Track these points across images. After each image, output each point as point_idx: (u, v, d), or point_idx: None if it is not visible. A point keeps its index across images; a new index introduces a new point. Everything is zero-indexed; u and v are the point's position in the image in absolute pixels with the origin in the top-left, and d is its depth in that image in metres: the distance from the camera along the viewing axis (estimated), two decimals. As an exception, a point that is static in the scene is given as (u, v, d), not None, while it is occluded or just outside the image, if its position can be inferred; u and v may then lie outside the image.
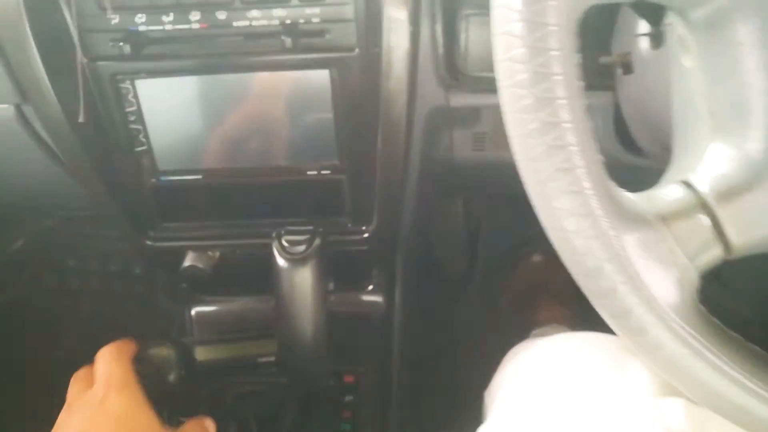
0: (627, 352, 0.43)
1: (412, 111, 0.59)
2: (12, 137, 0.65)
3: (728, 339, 0.32)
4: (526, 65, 0.29)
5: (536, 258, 1.17)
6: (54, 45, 0.56)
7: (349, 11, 0.54)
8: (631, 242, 0.31)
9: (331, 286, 0.60)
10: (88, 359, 1.18)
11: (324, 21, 0.55)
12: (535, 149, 0.30)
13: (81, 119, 0.55)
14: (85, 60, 0.58)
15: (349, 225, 0.69)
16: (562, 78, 0.29)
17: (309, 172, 0.66)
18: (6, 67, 0.56)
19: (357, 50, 0.57)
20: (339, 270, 0.72)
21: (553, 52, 0.28)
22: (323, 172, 0.66)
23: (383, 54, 0.55)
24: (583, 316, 1.07)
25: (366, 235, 0.70)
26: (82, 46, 0.57)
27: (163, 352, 0.59)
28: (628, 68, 0.50)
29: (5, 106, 0.61)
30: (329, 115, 0.62)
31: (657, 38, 0.43)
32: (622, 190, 0.33)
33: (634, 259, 0.31)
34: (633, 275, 0.31)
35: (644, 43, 0.47)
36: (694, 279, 0.32)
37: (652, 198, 0.33)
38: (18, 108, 0.61)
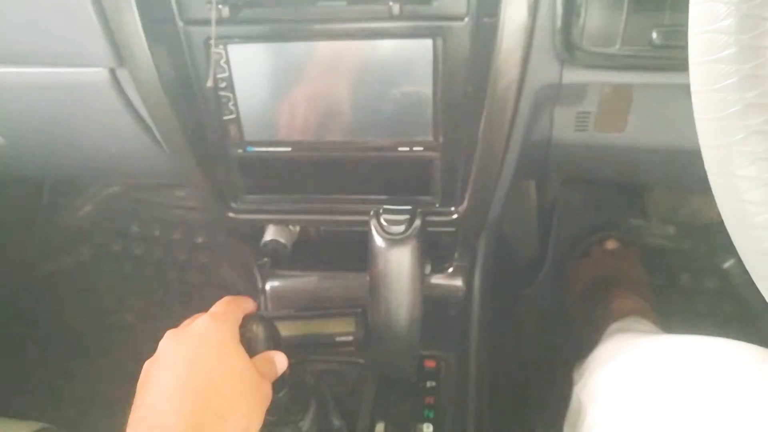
0: None
1: (521, 88, 0.55)
2: (103, 102, 0.64)
3: None
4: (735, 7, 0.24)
5: (609, 244, 1.12)
6: (153, 7, 0.55)
7: (462, -23, 0.51)
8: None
9: (428, 269, 0.57)
10: (151, 324, 1.20)
11: (435, -13, 0.52)
12: (730, 106, 0.26)
13: (210, 83, 0.53)
14: (180, 23, 0.56)
15: (437, 205, 0.67)
16: None
17: (400, 149, 0.63)
18: (105, 29, 0.55)
19: (467, 19, 0.53)
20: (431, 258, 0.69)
21: None
22: (415, 149, 0.63)
23: (498, 25, 0.51)
24: (660, 309, 1.03)
25: (455, 216, 0.67)
26: (179, 9, 0.56)
27: (252, 327, 0.58)
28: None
29: (100, 69, 0.60)
30: (428, 90, 0.59)
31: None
32: None
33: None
34: None
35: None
36: None
37: None
38: (113, 72, 0.60)
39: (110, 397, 1.10)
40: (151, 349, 0.52)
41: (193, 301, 1.26)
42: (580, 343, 0.94)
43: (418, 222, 0.55)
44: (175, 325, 0.54)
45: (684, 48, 0.29)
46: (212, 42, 0.53)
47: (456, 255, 0.76)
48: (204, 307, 0.59)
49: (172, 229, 1.39)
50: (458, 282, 0.76)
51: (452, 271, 0.77)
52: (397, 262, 0.54)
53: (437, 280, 0.76)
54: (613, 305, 1.01)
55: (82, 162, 0.83)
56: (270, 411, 0.63)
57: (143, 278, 1.34)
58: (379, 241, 0.54)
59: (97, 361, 1.20)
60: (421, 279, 0.56)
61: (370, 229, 0.55)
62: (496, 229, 0.79)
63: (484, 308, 0.79)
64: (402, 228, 0.54)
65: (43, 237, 1.38)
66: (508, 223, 1.07)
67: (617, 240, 1.12)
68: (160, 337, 0.53)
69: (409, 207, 0.55)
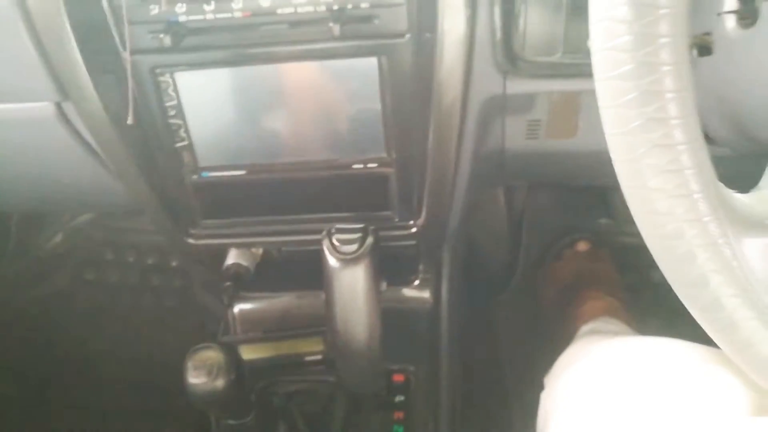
0: (717, 363, 0.39)
1: (466, 100, 0.56)
2: (52, 135, 0.63)
3: None
4: (628, 26, 0.25)
5: (580, 245, 1.13)
6: (93, 39, 0.54)
7: (400, -5, 0.51)
8: (751, 249, 0.27)
9: (384, 286, 0.57)
10: (128, 350, 1.18)
11: (373, 6, 0.52)
12: (631, 122, 0.26)
13: (129, 121, 0.53)
14: (125, 53, 0.56)
15: (397, 219, 0.67)
16: (670, 41, 0.25)
17: (355, 166, 0.63)
18: (46, 64, 0.54)
19: (408, 36, 0.54)
20: (384, 265, 0.69)
21: (662, 11, 0.25)
22: (370, 165, 0.63)
23: (437, 40, 0.52)
24: (634, 307, 1.03)
25: (414, 229, 0.67)
26: (121, 39, 0.55)
27: (212, 356, 0.57)
28: (706, 50, 0.46)
29: (45, 104, 0.59)
30: (377, 106, 0.59)
31: (749, 15, 0.39)
32: (731, 191, 0.29)
33: (755, 266, 0.27)
34: (747, 287, 0.28)
35: (730, 22, 0.43)
36: None
37: (764, 200, 0.29)
38: (58, 106, 0.59)
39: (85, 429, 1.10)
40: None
41: (169, 325, 1.24)
42: (554, 345, 0.95)
43: (370, 240, 0.55)
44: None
45: None
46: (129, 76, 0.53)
47: (421, 267, 0.76)
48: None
49: (147, 255, 1.38)
50: (425, 294, 0.77)
51: (418, 284, 0.77)
52: (352, 281, 0.54)
53: (404, 293, 0.76)
54: (585, 307, 1.02)
55: (42, 195, 0.82)
56: (237, 437, 0.63)
57: (119, 305, 1.33)
58: (332, 261, 0.54)
59: (72, 392, 1.19)
60: (377, 296, 0.56)
61: (323, 250, 0.55)
62: (459, 239, 0.80)
63: (453, 318, 0.79)
64: (354, 247, 0.54)
65: (15, 269, 1.36)
66: (479, 231, 1.08)
67: (588, 241, 1.13)
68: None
69: (361, 225, 0.55)
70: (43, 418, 1.15)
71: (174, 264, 1.36)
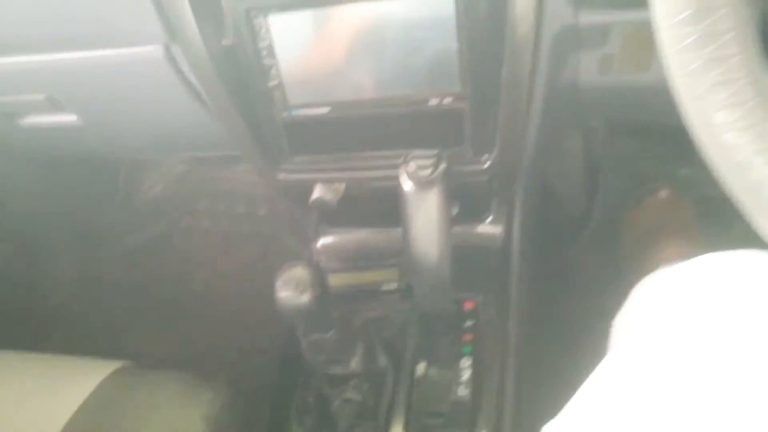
0: None
1: (539, 31, 0.58)
2: (160, 77, 0.70)
3: None
4: None
5: (662, 194, 1.11)
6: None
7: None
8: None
9: (455, 211, 0.61)
10: (222, 293, 1.29)
11: (452, -57, 0.55)
12: (687, 39, 0.29)
13: (222, 43, 0.58)
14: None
15: (470, 154, 0.70)
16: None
17: (432, 101, 0.67)
18: (158, 8, 0.61)
19: (483, -30, 0.56)
20: (459, 201, 0.73)
21: None
22: (445, 100, 0.66)
23: (512, -27, 0.54)
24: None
25: (487, 164, 0.70)
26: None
27: (299, 272, 0.63)
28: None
29: (155, 46, 0.66)
30: (452, 42, 0.62)
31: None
32: None
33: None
34: None
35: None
36: None
37: None
38: (167, 48, 0.66)
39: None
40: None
41: (257, 268, 1.34)
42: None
43: (443, 165, 0.58)
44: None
45: None
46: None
47: (493, 205, 0.79)
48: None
49: (237, 203, 1.48)
50: (497, 230, 0.80)
51: (491, 221, 0.80)
52: (426, 204, 0.58)
53: (476, 229, 0.80)
54: (663, 254, 1.02)
55: (148, 137, 0.91)
56: (319, 350, 0.70)
57: (210, 250, 1.44)
58: (407, 186, 0.58)
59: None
60: (448, 218, 0.60)
61: (399, 174, 0.59)
62: (534, 180, 0.82)
63: (525, 256, 0.82)
64: (429, 171, 0.58)
65: (122, 217, 1.51)
66: (556, 176, 1.08)
67: (669, 190, 1.11)
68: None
69: (435, 151, 0.59)
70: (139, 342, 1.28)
71: (263, 212, 1.46)
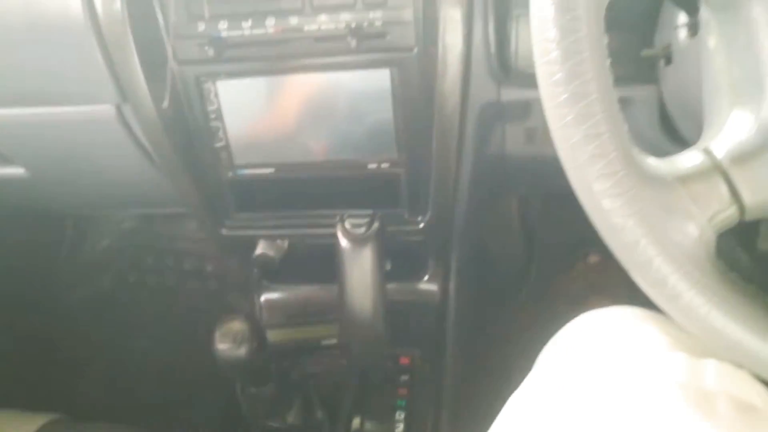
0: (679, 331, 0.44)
1: (465, 107, 0.64)
2: (110, 135, 0.73)
3: (744, 291, 0.35)
4: (557, 44, 0.33)
5: (593, 258, 1.18)
6: (150, 49, 0.64)
7: (408, 14, 0.60)
8: (650, 199, 0.34)
9: (388, 266, 0.65)
10: (165, 349, 1.27)
11: (385, 23, 0.61)
12: (566, 118, 0.34)
13: (165, 105, 0.62)
14: (174, 63, 0.66)
15: (406, 215, 0.74)
16: (589, 55, 0.33)
17: (370, 166, 0.71)
18: (110, 69, 0.65)
19: (415, 50, 0.62)
20: (396, 260, 0.77)
21: (581, 34, 0.33)
22: (383, 165, 0.71)
23: (439, 53, 0.60)
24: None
25: (421, 225, 0.74)
26: (173, 51, 0.65)
27: (237, 325, 0.65)
28: (668, 60, 0.53)
29: (107, 106, 0.70)
30: (389, 112, 0.67)
31: (693, 27, 0.46)
32: (646, 154, 0.36)
33: (654, 214, 0.34)
34: (652, 228, 0.34)
35: (683, 34, 0.50)
36: (711, 236, 0.35)
37: (673, 162, 0.36)
38: (118, 108, 0.70)
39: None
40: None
41: (201, 324, 1.33)
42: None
43: (376, 224, 0.63)
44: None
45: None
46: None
47: (430, 264, 0.83)
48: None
49: (183, 260, 1.48)
50: (433, 287, 0.84)
51: (427, 278, 0.84)
52: (360, 260, 0.62)
53: (413, 287, 0.83)
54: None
55: (97, 192, 0.92)
56: (258, 403, 0.71)
57: (157, 306, 1.43)
58: (343, 242, 0.62)
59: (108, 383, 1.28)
60: (381, 275, 0.63)
61: (336, 233, 0.63)
62: (469, 241, 0.86)
63: (460, 312, 0.85)
64: (363, 230, 0.62)
65: (67, 271, 1.48)
66: (493, 240, 1.14)
67: (598, 254, 1.18)
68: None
69: (370, 211, 0.63)
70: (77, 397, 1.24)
71: (209, 269, 1.46)
